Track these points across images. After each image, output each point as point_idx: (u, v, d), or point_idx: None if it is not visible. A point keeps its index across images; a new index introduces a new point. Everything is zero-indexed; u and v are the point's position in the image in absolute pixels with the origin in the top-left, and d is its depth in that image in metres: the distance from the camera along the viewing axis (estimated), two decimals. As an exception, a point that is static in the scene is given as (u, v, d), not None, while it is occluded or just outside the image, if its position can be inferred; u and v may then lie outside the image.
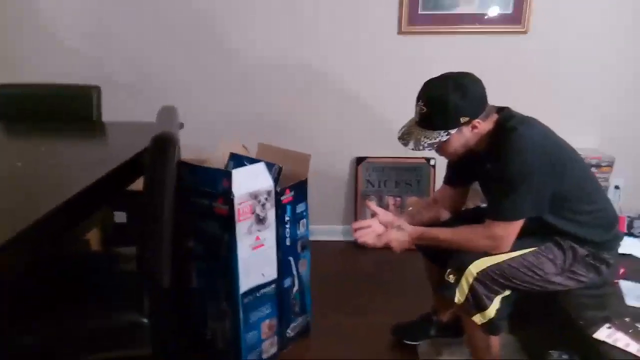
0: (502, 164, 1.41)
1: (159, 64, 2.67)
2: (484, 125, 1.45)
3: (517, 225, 1.45)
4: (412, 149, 1.48)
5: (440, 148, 1.50)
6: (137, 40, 2.64)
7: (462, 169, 1.67)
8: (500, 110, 1.50)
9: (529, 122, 1.45)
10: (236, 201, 1.58)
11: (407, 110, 1.59)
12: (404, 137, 1.51)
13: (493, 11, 2.48)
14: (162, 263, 1.20)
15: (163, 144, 1.16)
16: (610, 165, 2.51)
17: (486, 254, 1.46)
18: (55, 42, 2.64)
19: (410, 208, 1.89)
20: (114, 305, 1.31)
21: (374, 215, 1.67)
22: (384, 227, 1.63)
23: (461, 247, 1.50)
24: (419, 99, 1.48)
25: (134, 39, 2.64)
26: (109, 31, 2.63)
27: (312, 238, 1.97)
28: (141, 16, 2.60)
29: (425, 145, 1.45)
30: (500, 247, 1.46)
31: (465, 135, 1.46)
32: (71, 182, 1.26)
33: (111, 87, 2.19)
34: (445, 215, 1.74)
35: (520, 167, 1.38)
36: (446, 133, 1.44)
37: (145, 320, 1.25)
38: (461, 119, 1.42)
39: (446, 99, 1.41)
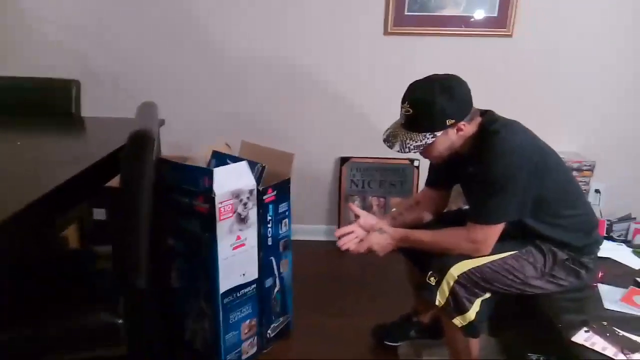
0: (484, 166, 1.41)
1: (147, 64, 2.63)
2: (468, 127, 1.45)
3: (498, 228, 1.45)
4: (398, 151, 1.47)
5: (426, 150, 1.49)
6: (123, 37, 2.60)
7: (444, 171, 1.67)
8: (484, 113, 1.50)
9: (512, 126, 1.46)
10: (217, 200, 1.56)
11: (392, 111, 1.58)
12: (389, 139, 1.50)
13: (479, 14, 2.49)
14: (139, 262, 1.17)
15: (141, 140, 1.13)
16: (591, 169, 2.54)
17: (467, 256, 1.46)
18: (47, 42, 2.60)
19: (394, 209, 1.89)
20: (87, 305, 1.28)
21: (356, 217, 1.66)
22: (366, 231, 1.62)
23: (442, 249, 1.50)
24: (404, 100, 1.47)
25: (121, 35, 2.60)
26: (99, 30, 2.59)
27: (294, 238, 1.96)
28: (127, 13, 2.57)
29: (411, 147, 1.44)
30: (481, 250, 1.46)
31: (450, 137, 1.46)
32: (48, 178, 1.22)
33: (95, 84, 2.15)
34: (427, 217, 1.74)
35: (503, 170, 1.39)
36: (432, 135, 1.43)
37: (119, 321, 1.22)
38: (447, 122, 1.42)
39: (432, 101, 1.40)
